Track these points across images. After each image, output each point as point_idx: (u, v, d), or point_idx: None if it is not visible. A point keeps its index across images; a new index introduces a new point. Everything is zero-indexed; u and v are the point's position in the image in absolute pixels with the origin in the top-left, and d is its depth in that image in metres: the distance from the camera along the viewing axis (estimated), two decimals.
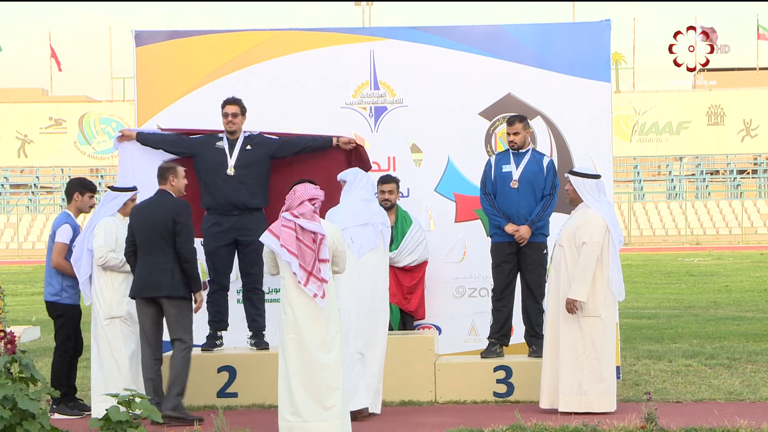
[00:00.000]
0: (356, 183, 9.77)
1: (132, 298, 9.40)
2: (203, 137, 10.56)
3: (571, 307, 9.32)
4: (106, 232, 9.58)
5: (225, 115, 10.43)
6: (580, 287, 9.30)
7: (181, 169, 9.55)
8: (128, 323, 9.59)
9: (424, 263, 10.98)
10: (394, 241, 10.79)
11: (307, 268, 8.35)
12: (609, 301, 9.44)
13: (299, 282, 8.34)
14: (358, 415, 9.18)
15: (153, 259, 9.22)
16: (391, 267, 10.70)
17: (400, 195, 11.14)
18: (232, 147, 10.41)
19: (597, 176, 9.63)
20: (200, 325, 10.55)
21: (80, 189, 9.98)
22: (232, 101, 10.47)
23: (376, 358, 9.49)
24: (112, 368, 9.53)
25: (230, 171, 10.35)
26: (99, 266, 9.58)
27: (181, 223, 9.24)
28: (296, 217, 8.41)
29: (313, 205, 8.47)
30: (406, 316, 10.96)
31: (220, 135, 10.50)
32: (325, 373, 8.36)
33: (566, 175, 9.75)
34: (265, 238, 8.50)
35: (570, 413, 9.20)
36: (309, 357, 8.36)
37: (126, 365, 9.53)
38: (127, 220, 9.66)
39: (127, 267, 9.54)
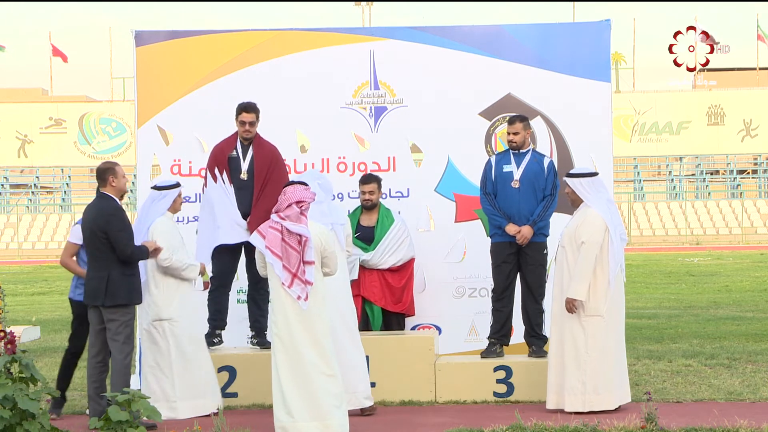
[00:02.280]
0: None
1: (83, 302, 9.24)
2: (220, 159, 10.34)
3: (570, 306, 9.34)
4: (163, 232, 9.45)
5: (242, 123, 10.31)
6: (579, 286, 9.32)
7: (120, 169, 9.24)
8: (176, 326, 9.49)
9: (411, 261, 10.91)
10: (374, 241, 10.76)
11: (291, 270, 8.40)
12: (612, 299, 9.45)
13: (283, 284, 8.39)
14: (364, 412, 9.36)
15: (92, 266, 9.05)
16: (377, 270, 10.68)
17: (399, 195, 11.16)
18: (245, 152, 10.37)
19: (593, 174, 9.65)
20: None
21: None
22: (250, 108, 10.29)
23: (354, 356, 9.44)
24: (157, 372, 9.48)
25: (243, 176, 10.31)
26: (161, 267, 9.44)
27: (113, 231, 8.91)
28: (283, 219, 8.46)
29: (300, 207, 8.50)
30: (391, 317, 10.87)
31: (234, 142, 10.39)
32: (317, 373, 8.40)
33: (564, 178, 9.78)
34: (253, 238, 8.58)
35: (574, 413, 9.23)
36: (300, 357, 8.40)
37: (171, 368, 9.45)
38: (175, 217, 9.65)
39: (188, 272, 9.48)
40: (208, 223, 10.25)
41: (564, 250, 9.51)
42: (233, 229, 10.20)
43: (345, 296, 9.59)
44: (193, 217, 11.05)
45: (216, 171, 10.30)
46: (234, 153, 10.36)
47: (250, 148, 10.35)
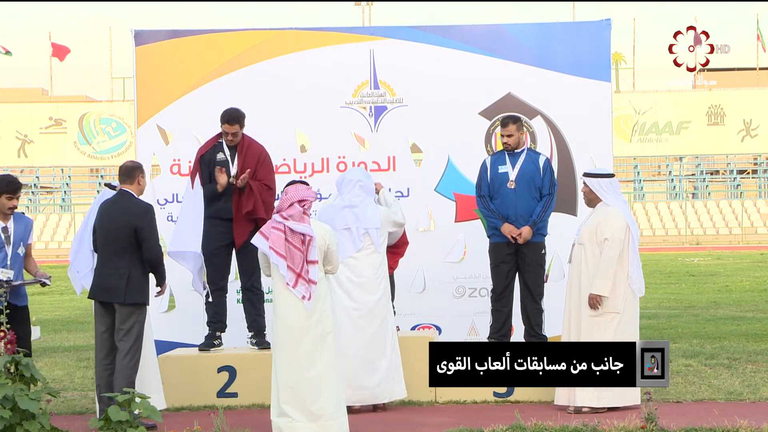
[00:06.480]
0: (342, 188, 9.77)
1: (89, 299, 9.10)
2: (207, 159, 10.31)
3: (594, 302, 9.35)
4: None
5: (225, 134, 10.24)
6: (603, 282, 9.34)
7: (143, 167, 9.22)
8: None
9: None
10: None
11: (295, 269, 8.39)
12: (629, 297, 9.46)
13: (287, 284, 8.38)
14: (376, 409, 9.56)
15: (110, 263, 8.83)
16: None
17: (399, 194, 11.18)
18: (232, 154, 10.35)
19: (611, 175, 9.70)
20: (199, 326, 10.57)
21: None
22: (233, 120, 10.14)
23: (383, 361, 9.52)
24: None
25: (233, 180, 10.28)
26: None
27: (145, 228, 8.77)
28: (286, 219, 8.45)
29: (303, 207, 8.48)
30: None
31: (219, 141, 10.38)
32: (316, 374, 8.41)
33: (582, 178, 9.82)
34: (256, 239, 8.56)
35: (584, 407, 9.28)
36: (299, 358, 8.40)
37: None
38: None
39: None
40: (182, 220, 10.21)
41: (582, 248, 9.51)
42: (193, 238, 10.14)
43: (380, 294, 9.58)
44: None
45: (197, 176, 10.25)
46: (222, 156, 10.33)
47: (237, 149, 10.32)
